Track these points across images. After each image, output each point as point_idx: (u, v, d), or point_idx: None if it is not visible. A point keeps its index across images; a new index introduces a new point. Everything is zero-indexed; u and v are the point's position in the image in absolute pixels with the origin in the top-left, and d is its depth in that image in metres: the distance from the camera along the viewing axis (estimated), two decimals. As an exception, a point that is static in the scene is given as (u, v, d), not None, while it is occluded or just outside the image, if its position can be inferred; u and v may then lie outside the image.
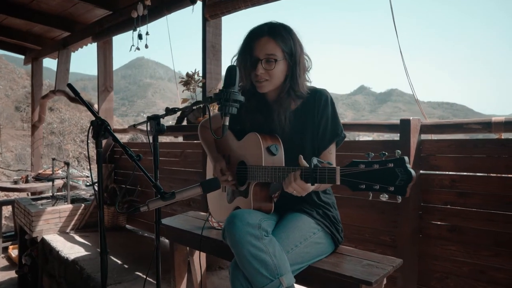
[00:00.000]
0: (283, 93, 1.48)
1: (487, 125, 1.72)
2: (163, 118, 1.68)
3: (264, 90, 1.48)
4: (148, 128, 1.64)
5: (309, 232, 1.43)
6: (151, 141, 1.66)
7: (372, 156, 1.05)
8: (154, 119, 1.63)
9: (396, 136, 2.23)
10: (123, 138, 8.02)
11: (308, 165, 1.22)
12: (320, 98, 1.47)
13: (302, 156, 1.26)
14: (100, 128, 1.44)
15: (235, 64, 1.51)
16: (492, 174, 1.74)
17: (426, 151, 1.93)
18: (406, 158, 0.98)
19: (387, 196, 1.02)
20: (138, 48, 3.01)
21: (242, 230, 1.25)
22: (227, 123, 1.30)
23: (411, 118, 1.87)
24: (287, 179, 1.25)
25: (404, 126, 1.88)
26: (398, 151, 1.01)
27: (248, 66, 1.45)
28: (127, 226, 4.09)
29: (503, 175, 1.71)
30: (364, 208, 2.15)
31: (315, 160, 1.19)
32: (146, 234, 3.86)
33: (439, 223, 1.89)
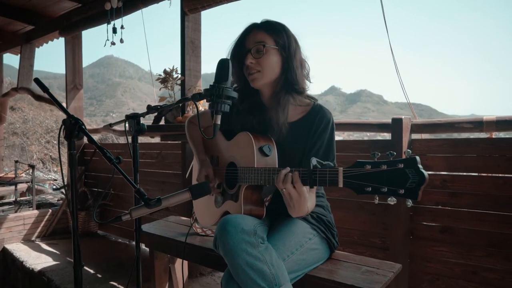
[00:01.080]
0: (278, 87, 1.38)
1: (479, 124, 1.70)
2: (144, 117, 1.54)
3: (257, 83, 1.38)
4: (127, 128, 1.50)
5: (304, 238, 1.34)
6: (130, 141, 1.53)
7: (378, 156, 0.97)
8: (133, 118, 1.50)
9: (378, 136, 2.19)
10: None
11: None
12: (321, 119, 1.37)
13: None
14: (73, 128, 1.29)
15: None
16: (483, 174, 1.72)
17: (416, 151, 1.89)
18: (417, 158, 0.91)
19: (395, 199, 0.94)
20: (113, 43, 2.82)
21: (237, 238, 1.14)
22: (218, 122, 1.18)
23: (403, 117, 1.82)
24: (281, 177, 1.15)
25: (396, 125, 1.83)
26: (408, 150, 0.93)
27: (239, 60, 1.36)
28: (99, 231, 3.86)
29: (494, 175, 1.70)
30: (353, 209, 2.09)
31: (314, 161, 1.10)
32: (120, 240, 3.66)
33: (430, 224, 1.86)
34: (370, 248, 2.04)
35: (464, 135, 1.95)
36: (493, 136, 1.73)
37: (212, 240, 1.80)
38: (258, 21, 1.41)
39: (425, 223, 1.87)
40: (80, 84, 4.02)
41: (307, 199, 1.16)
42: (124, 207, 3.59)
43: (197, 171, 1.56)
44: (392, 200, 0.94)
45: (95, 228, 3.81)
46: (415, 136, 1.92)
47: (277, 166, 1.36)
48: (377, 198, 0.97)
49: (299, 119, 1.41)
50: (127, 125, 1.51)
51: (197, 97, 1.24)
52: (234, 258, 1.12)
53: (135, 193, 1.20)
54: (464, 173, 1.76)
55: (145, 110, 1.53)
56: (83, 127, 1.31)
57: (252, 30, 1.37)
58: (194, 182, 1.77)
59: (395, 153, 0.94)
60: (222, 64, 1.18)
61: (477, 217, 1.73)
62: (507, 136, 1.67)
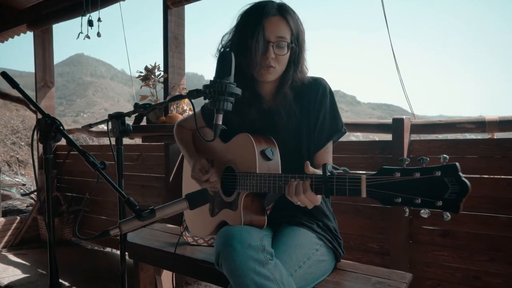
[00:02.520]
0: (286, 86, 1.26)
1: (481, 124, 1.66)
2: (129, 117, 1.39)
3: (270, 79, 1.25)
4: (110, 129, 1.35)
5: (311, 250, 1.23)
6: (113, 143, 1.37)
7: (407, 162, 0.87)
8: (117, 118, 1.34)
9: (352, 136, 2.11)
10: (63, 140, 7.27)
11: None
12: (317, 88, 1.27)
13: (308, 163, 1.06)
14: (49, 129, 1.13)
15: (225, 47, 1.28)
16: (485, 176, 1.68)
17: (416, 152, 1.83)
18: (457, 164, 0.81)
19: (429, 212, 0.84)
20: (88, 36, 2.62)
21: (244, 255, 1.01)
22: (220, 122, 1.05)
23: (404, 117, 1.75)
24: (293, 188, 1.04)
25: (397, 126, 1.76)
26: (445, 155, 0.83)
27: (255, 49, 1.18)
28: (73, 239, 3.61)
29: (496, 177, 1.65)
30: (348, 213, 2.01)
31: (329, 166, 0.99)
32: (96, 248, 3.44)
33: (430, 228, 1.80)
34: (367, 254, 1.97)
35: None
36: (495, 137, 1.69)
37: (204, 250, 1.68)
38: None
39: (425, 227, 1.81)
40: (51, 82, 3.76)
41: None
42: (102, 212, 3.38)
43: (190, 172, 1.41)
44: (425, 213, 0.84)
45: (68, 236, 3.56)
46: (414, 136, 1.86)
47: (279, 171, 1.25)
48: (407, 210, 0.87)
49: (292, 98, 1.29)
50: (109, 125, 1.35)
51: (194, 94, 1.10)
52: (241, 278, 0.99)
53: (124, 203, 1.06)
54: (466, 175, 1.70)
55: (118, 110, 1.39)
56: (61, 127, 1.15)
57: (272, 16, 1.19)
58: (184, 186, 1.63)
59: (428, 159, 0.84)
60: (225, 57, 1.05)
61: (479, 220, 1.68)
62: (511, 137, 1.62)
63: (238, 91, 1.04)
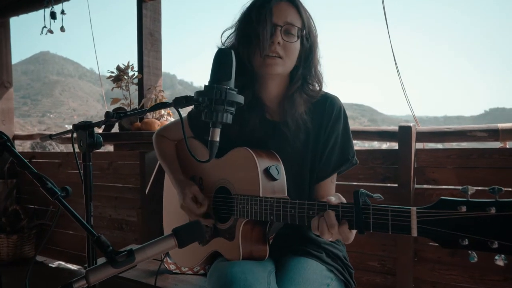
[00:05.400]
0: (296, 92, 1.07)
1: (494, 132, 1.53)
2: (99, 127, 1.15)
3: (276, 71, 1.04)
4: (76, 142, 1.11)
5: (322, 285, 1.04)
6: (80, 160, 1.12)
7: (473, 193, 0.69)
8: (84, 129, 1.09)
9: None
10: (23, 145, 6.75)
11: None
12: (331, 107, 1.10)
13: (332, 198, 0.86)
14: (-7, 147, 0.89)
15: (225, 43, 1.08)
16: (498, 188, 1.54)
17: (421, 162, 1.67)
18: None
19: (506, 259, 0.66)
20: (50, 31, 2.32)
21: None
22: (217, 139, 0.83)
23: (411, 124, 1.60)
24: (326, 224, 0.84)
25: (403, 134, 1.60)
26: None
27: (261, 34, 1.00)
28: (37, 257, 3.26)
29: (511, 189, 1.52)
30: (346, 229, 1.84)
31: (363, 194, 0.80)
32: (61, 266, 3.11)
33: (437, 244, 1.65)
34: (367, 273, 1.81)
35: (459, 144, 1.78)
36: (507, 146, 1.56)
37: (189, 280, 1.45)
38: None
39: (432, 243, 1.67)
40: (8, 82, 3.38)
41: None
42: (68, 227, 3.06)
43: (175, 198, 1.18)
44: (502, 260, 0.66)
45: (30, 253, 3.21)
46: (418, 145, 1.71)
47: (285, 193, 1.05)
48: (475, 254, 0.69)
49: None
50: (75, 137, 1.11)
51: (182, 102, 0.88)
52: None
53: (93, 243, 0.83)
54: (477, 187, 1.57)
55: (86, 110, 1.17)
56: (8, 144, 0.91)
57: (282, 1, 1.03)
58: (167, 212, 1.38)
59: (502, 189, 0.66)
60: (223, 56, 0.83)
61: (492, 236, 1.55)
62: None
63: (240, 99, 0.83)
